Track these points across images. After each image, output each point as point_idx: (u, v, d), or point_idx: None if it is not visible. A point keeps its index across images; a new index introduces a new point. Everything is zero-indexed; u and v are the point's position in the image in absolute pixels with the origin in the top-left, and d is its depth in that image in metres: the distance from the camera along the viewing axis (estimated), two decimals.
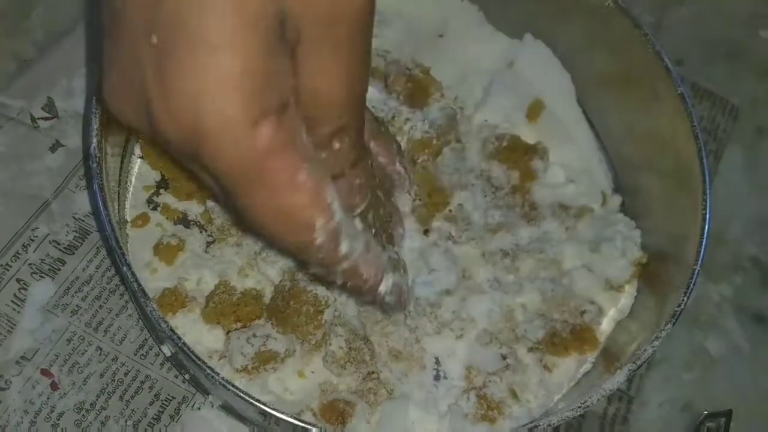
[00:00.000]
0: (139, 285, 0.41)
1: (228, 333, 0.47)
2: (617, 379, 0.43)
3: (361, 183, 0.39)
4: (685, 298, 0.46)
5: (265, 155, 0.30)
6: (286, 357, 0.46)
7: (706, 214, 0.48)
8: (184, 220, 0.51)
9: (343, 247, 0.35)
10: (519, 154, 0.55)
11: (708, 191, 0.49)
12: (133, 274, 0.41)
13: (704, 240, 0.47)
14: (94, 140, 0.43)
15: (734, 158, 0.66)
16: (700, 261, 0.47)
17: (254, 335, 0.46)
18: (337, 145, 0.35)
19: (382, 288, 0.39)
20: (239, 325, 0.47)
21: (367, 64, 0.34)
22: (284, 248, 0.35)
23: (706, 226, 0.48)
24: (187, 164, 0.33)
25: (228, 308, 0.47)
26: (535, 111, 0.58)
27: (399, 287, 0.41)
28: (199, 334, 0.48)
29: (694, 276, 0.46)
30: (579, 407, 0.42)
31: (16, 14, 0.58)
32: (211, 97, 0.28)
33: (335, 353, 0.46)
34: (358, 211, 0.39)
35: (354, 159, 0.37)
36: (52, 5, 0.59)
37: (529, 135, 0.57)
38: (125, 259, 0.41)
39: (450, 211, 0.52)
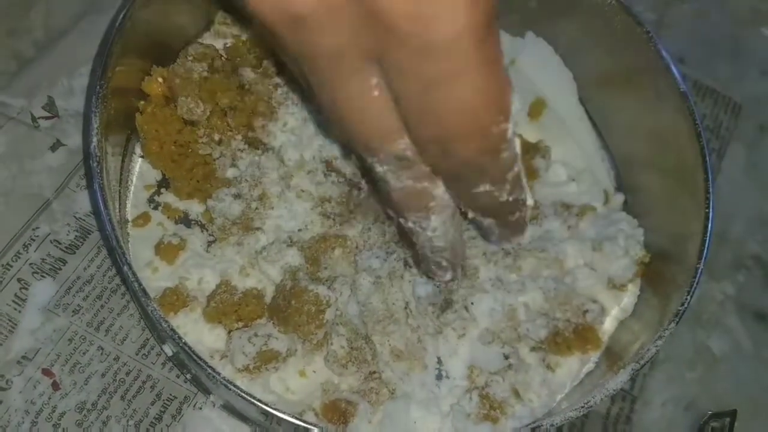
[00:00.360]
0: (140, 285, 0.41)
1: (229, 332, 0.47)
2: (620, 379, 0.43)
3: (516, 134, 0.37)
4: (689, 297, 0.46)
5: (480, 37, 0.28)
6: (287, 356, 0.46)
7: (709, 212, 0.48)
8: (185, 220, 0.51)
9: (517, 151, 0.34)
10: (521, 153, 0.54)
11: (711, 189, 0.48)
12: (133, 273, 0.41)
13: (707, 238, 0.47)
14: (95, 139, 0.43)
15: (736, 156, 0.66)
16: (703, 259, 0.47)
17: (256, 335, 0.46)
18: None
19: (528, 197, 0.37)
20: (240, 324, 0.47)
21: None
22: (463, 165, 0.33)
23: (709, 225, 0.48)
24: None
25: (229, 308, 0.47)
26: (536, 110, 0.58)
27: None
28: (201, 334, 0.48)
29: (698, 275, 0.46)
30: (582, 407, 0.42)
31: (16, 13, 0.58)
32: None
33: (336, 353, 0.46)
34: None
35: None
36: (52, 3, 0.59)
37: (530, 134, 0.57)
38: (126, 259, 0.41)
39: None
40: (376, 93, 0.31)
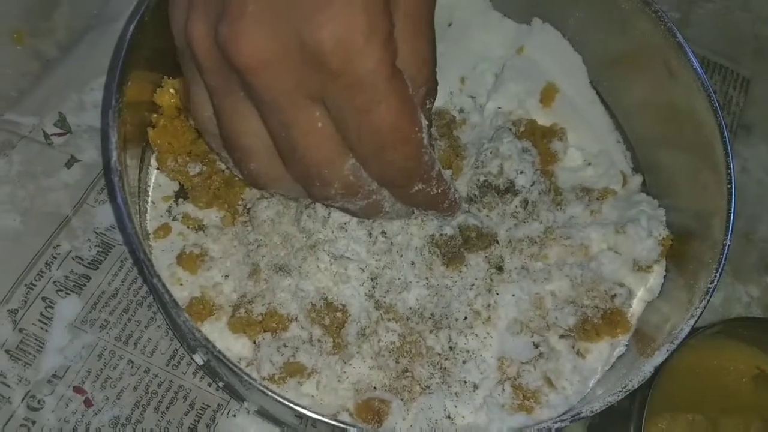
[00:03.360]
0: (171, 296, 0.40)
1: (255, 342, 0.47)
2: (657, 360, 0.43)
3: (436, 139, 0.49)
4: (717, 274, 0.45)
5: (387, 69, 0.37)
6: (312, 373, 0.46)
7: (731, 187, 0.48)
8: (205, 228, 0.51)
9: (433, 156, 0.42)
10: (537, 138, 0.54)
11: (731, 164, 0.48)
12: (163, 285, 0.41)
13: (732, 214, 0.47)
14: (114, 154, 0.43)
15: (762, 158, 0.66)
16: (729, 235, 0.46)
17: (285, 345, 0.46)
18: (428, 104, 0.42)
19: (452, 186, 0.46)
20: (266, 335, 0.47)
21: (434, 28, 0.42)
22: (397, 171, 0.41)
23: (733, 200, 0.47)
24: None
25: (254, 318, 0.47)
26: (548, 95, 0.57)
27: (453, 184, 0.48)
28: (227, 342, 0.47)
29: (725, 251, 0.46)
30: (620, 391, 0.42)
31: (39, 14, 0.59)
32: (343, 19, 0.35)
33: (388, 347, 0.46)
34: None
35: (431, 120, 0.44)
36: (75, 5, 0.59)
37: (543, 120, 0.57)
38: (155, 271, 0.41)
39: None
40: (319, 124, 0.39)
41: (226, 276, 0.49)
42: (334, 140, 0.40)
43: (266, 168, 0.43)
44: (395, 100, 0.38)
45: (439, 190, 0.44)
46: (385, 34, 0.36)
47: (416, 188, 0.43)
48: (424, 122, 0.41)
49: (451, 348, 0.48)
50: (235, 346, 0.47)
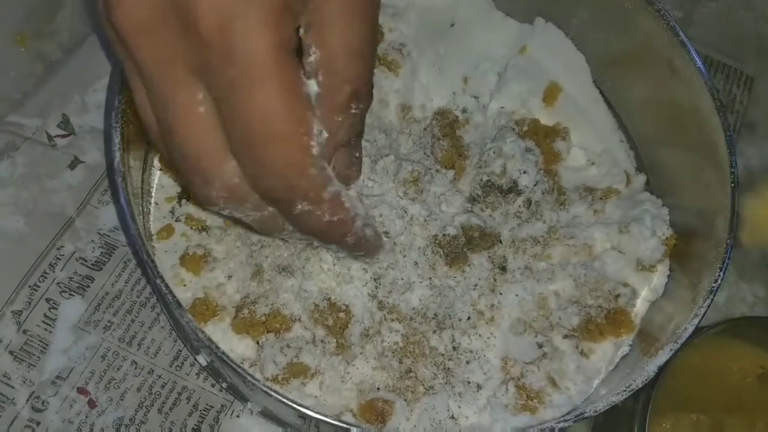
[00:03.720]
0: (174, 297, 0.41)
1: (258, 342, 0.47)
2: (661, 359, 0.43)
3: (360, 157, 0.41)
4: (721, 273, 0.45)
5: (271, 48, 0.33)
6: (315, 374, 0.46)
7: (735, 186, 0.47)
8: (208, 229, 0.51)
9: (328, 173, 0.37)
10: (540, 138, 0.54)
11: (735, 163, 0.48)
12: (167, 286, 0.41)
13: (735, 212, 0.47)
14: (117, 155, 0.43)
15: (766, 155, 0.65)
16: (732, 234, 0.46)
17: (288, 345, 0.46)
18: (353, 108, 0.37)
19: (360, 221, 0.40)
20: (269, 336, 0.47)
21: (377, 28, 0.37)
22: (274, 178, 0.36)
23: (736, 199, 0.47)
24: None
25: (257, 319, 0.47)
26: (551, 95, 0.57)
27: (373, 221, 0.42)
28: (230, 343, 0.47)
29: (728, 250, 0.46)
30: (624, 390, 0.42)
31: (42, 16, 0.59)
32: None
33: (391, 347, 0.46)
34: (351, 184, 0.40)
35: (360, 131, 0.39)
36: (77, 6, 0.59)
37: (546, 119, 0.57)
38: (158, 272, 0.41)
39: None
40: (201, 109, 0.35)
41: (230, 277, 0.49)
42: (217, 131, 0.35)
43: (162, 152, 0.39)
44: (275, 86, 0.33)
45: (335, 219, 0.38)
46: (273, 7, 0.33)
47: (300, 208, 0.37)
48: (321, 131, 0.36)
49: (454, 348, 0.48)
50: (238, 346, 0.47)
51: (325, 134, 0.36)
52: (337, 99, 0.36)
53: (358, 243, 0.41)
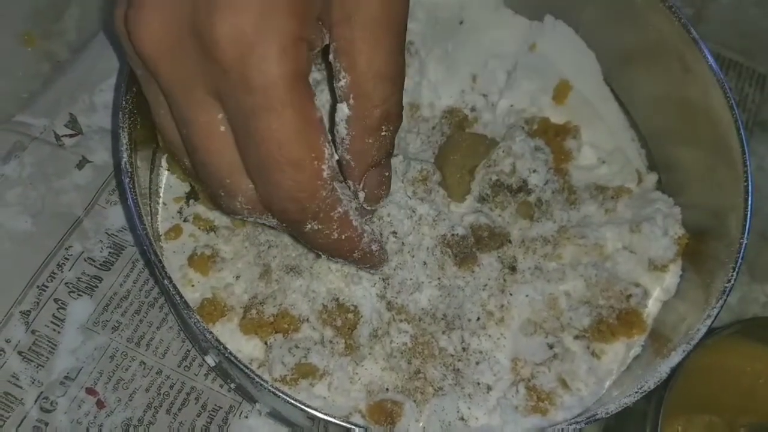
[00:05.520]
0: (182, 297, 0.40)
1: (266, 343, 0.47)
2: (674, 360, 0.42)
3: (389, 176, 0.43)
4: (734, 273, 0.45)
5: (287, 77, 0.34)
6: (323, 375, 0.45)
7: (748, 185, 0.47)
8: (216, 229, 0.51)
9: (338, 194, 0.38)
10: (551, 136, 0.54)
11: (748, 161, 0.47)
12: (174, 286, 0.41)
13: (749, 212, 0.46)
14: (125, 155, 0.43)
15: None
16: (746, 234, 0.46)
17: (296, 346, 0.45)
18: (383, 130, 0.38)
19: (366, 237, 0.42)
20: (278, 336, 0.47)
21: (403, 49, 0.38)
22: (285, 201, 0.37)
23: (750, 197, 0.47)
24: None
25: (265, 320, 0.47)
26: (561, 93, 0.57)
27: (378, 236, 0.44)
28: (239, 343, 0.47)
29: (742, 250, 0.45)
30: (636, 392, 0.41)
31: (49, 16, 0.59)
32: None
33: (400, 348, 0.46)
34: (380, 204, 0.43)
35: (390, 151, 0.40)
36: (85, 6, 0.59)
37: (557, 118, 0.56)
38: (166, 273, 0.41)
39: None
40: (222, 128, 0.36)
41: (238, 277, 0.49)
42: (237, 153, 0.37)
43: (183, 164, 0.41)
44: (290, 115, 0.34)
45: (343, 237, 0.40)
46: (290, 36, 0.34)
47: (309, 227, 0.39)
48: (333, 154, 0.37)
49: (464, 349, 0.48)
50: (246, 347, 0.47)
51: (336, 157, 0.38)
52: (367, 122, 0.37)
53: (363, 258, 0.42)
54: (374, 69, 0.37)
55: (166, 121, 0.39)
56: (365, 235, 0.41)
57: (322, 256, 0.44)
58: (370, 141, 0.39)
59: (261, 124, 0.35)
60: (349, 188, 0.42)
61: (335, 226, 0.39)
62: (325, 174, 0.37)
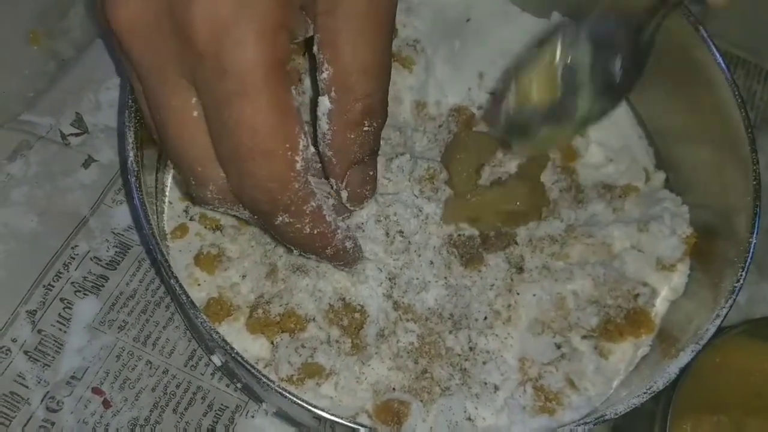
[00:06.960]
0: (188, 297, 0.40)
1: (272, 342, 0.47)
2: (682, 360, 0.42)
3: (374, 175, 0.42)
4: (743, 273, 0.44)
5: (263, 64, 0.33)
6: (330, 375, 0.45)
7: (757, 183, 0.47)
8: (222, 228, 0.51)
9: (311, 188, 0.37)
10: None
11: (757, 160, 0.47)
12: (180, 286, 0.40)
13: (758, 210, 0.46)
14: (131, 154, 0.43)
15: None
16: (755, 233, 0.45)
17: (303, 346, 0.45)
18: (366, 125, 0.37)
19: (340, 234, 0.41)
20: (284, 336, 0.47)
21: (390, 44, 0.37)
22: (257, 191, 0.36)
23: (758, 196, 0.47)
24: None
25: (272, 319, 0.47)
26: None
27: (353, 232, 0.42)
28: (245, 343, 0.47)
29: (751, 249, 0.45)
30: (645, 393, 0.41)
31: (54, 14, 0.58)
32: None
33: (407, 347, 0.46)
34: (365, 204, 0.42)
35: (374, 149, 0.40)
36: (89, 4, 0.59)
37: None
38: (172, 272, 0.41)
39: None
40: (195, 114, 0.35)
41: (244, 276, 0.49)
42: (209, 140, 0.36)
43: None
44: (265, 102, 0.34)
45: (315, 232, 0.39)
46: (269, 21, 0.33)
47: (281, 219, 0.38)
48: (308, 146, 0.36)
49: (471, 349, 0.48)
50: (252, 347, 0.47)
51: (312, 149, 0.37)
52: (349, 116, 0.37)
53: (336, 255, 0.42)
54: (358, 62, 0.36)
55: (142, 106, 0.39)
56: (339, 231, 0.41)
57: (294, 251, 0.43)
58: (352, 136, 0.38)
59: (234, 111, 0.33)
60: (332, 186, 0.41)
61: (307, 220, 0.38)
62: (298, 166, 0.36)
